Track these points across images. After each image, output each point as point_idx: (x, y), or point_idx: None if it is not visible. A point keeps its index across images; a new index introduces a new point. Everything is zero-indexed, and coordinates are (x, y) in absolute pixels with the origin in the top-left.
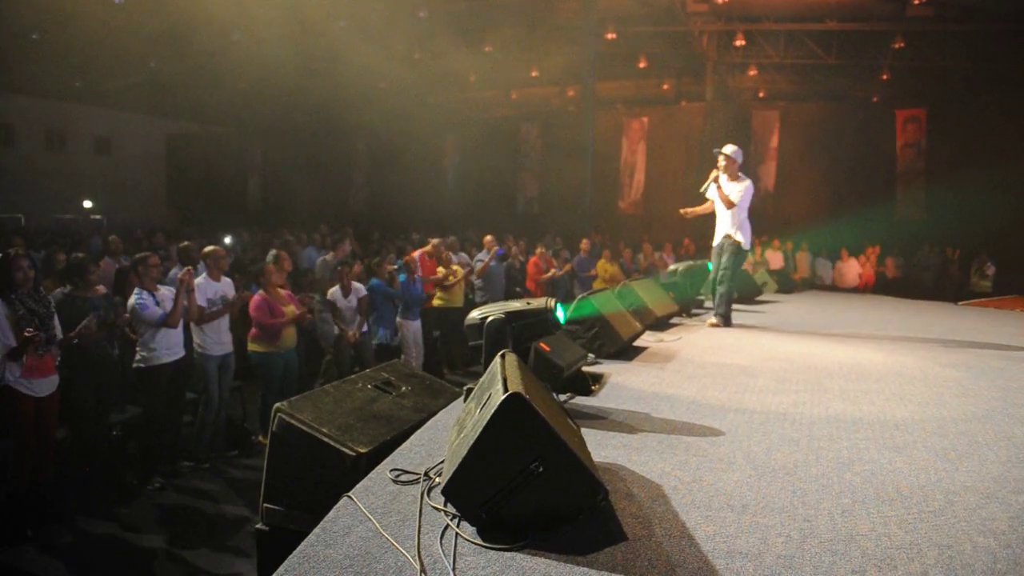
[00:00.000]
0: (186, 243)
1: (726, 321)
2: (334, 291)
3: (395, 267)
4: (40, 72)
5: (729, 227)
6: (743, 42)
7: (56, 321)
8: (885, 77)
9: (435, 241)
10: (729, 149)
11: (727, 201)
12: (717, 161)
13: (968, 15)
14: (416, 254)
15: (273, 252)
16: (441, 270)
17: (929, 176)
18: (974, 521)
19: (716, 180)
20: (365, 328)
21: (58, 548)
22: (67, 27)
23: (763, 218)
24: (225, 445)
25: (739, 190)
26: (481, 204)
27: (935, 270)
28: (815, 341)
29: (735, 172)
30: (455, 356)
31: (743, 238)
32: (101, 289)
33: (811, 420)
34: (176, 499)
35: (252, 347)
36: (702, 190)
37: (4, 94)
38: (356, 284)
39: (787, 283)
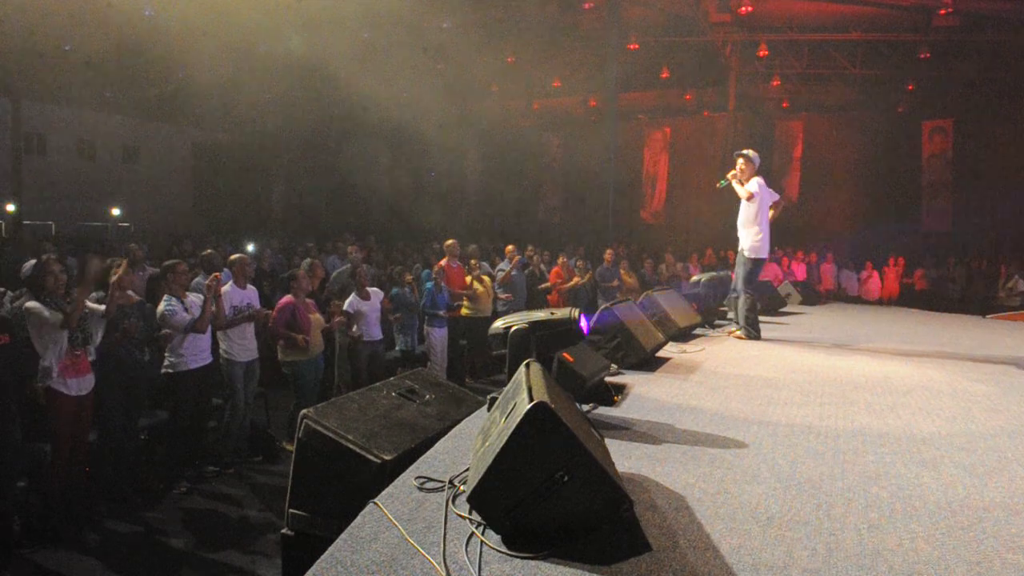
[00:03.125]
0: (208, 251)
1: (753, 334)
2: (351, 301)
3: (412, 278)
4: (71, 83)
5: (744, 233)
6: (766, 52)
7: (89, 324)
8: (910, 87)
9: (449, 242)
10: (749, 153)
11: (747, 193)
12: (736, 163)
13: (994, 25)
14: (444, 262)
15: (307, 260)
16: (469, 279)
17: (956, 187)
18: (1003, 537)
19: (733, 181)
20: (379, 336)
21: (87, 549)
22: (98, 39)
23: (787, 229)
24: (249, 451)
25: (751, 185)
26: (503, 214)
27: (962, 282)
28: (840, 353)
29: (749, 177)
30: (477, 365)
31: (752, 246)
32: (134, 296)
33: (837, 433)
34: (202, 503)
35: (284, 358)
36: (718, 186)
37: (37, 104)
38: (372, 289)
39: (811, 295)
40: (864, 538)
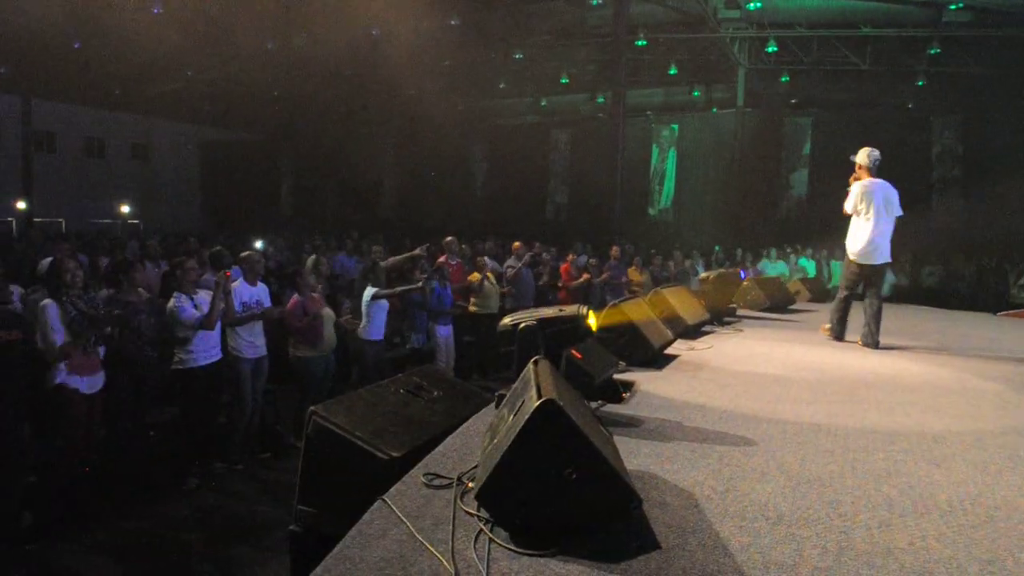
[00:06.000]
0: (217, 248)
1: (836, 335)
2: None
3: (426, 275)
4: (81, 81)
5: (850, 237)
6: (775, 48)
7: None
8: (920, 83)
9: (448, 239)
10: (861, 154)
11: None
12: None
13: (1006, 20)
14: (443, 258)
15: (313, 257)
16: (476, 276)
17: (966, 184)
18: (1015, 535)
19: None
20: (380, 337)
21: (95, 545)
22: (107, 37)
23: (796, 226)
24: (258, 447)
25: (852, 194)
26: (510, 211)
27: (972, 279)
28: (849, 351)
29: (864, 176)
30: (486, 362)
31: (851, 246)
32: (145, 293)
33: (846, 431)
34: (210, 499)
35: (295, 353)
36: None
37: (47, 102)
38: None
39: (821, 292)
40: (875, 537)
